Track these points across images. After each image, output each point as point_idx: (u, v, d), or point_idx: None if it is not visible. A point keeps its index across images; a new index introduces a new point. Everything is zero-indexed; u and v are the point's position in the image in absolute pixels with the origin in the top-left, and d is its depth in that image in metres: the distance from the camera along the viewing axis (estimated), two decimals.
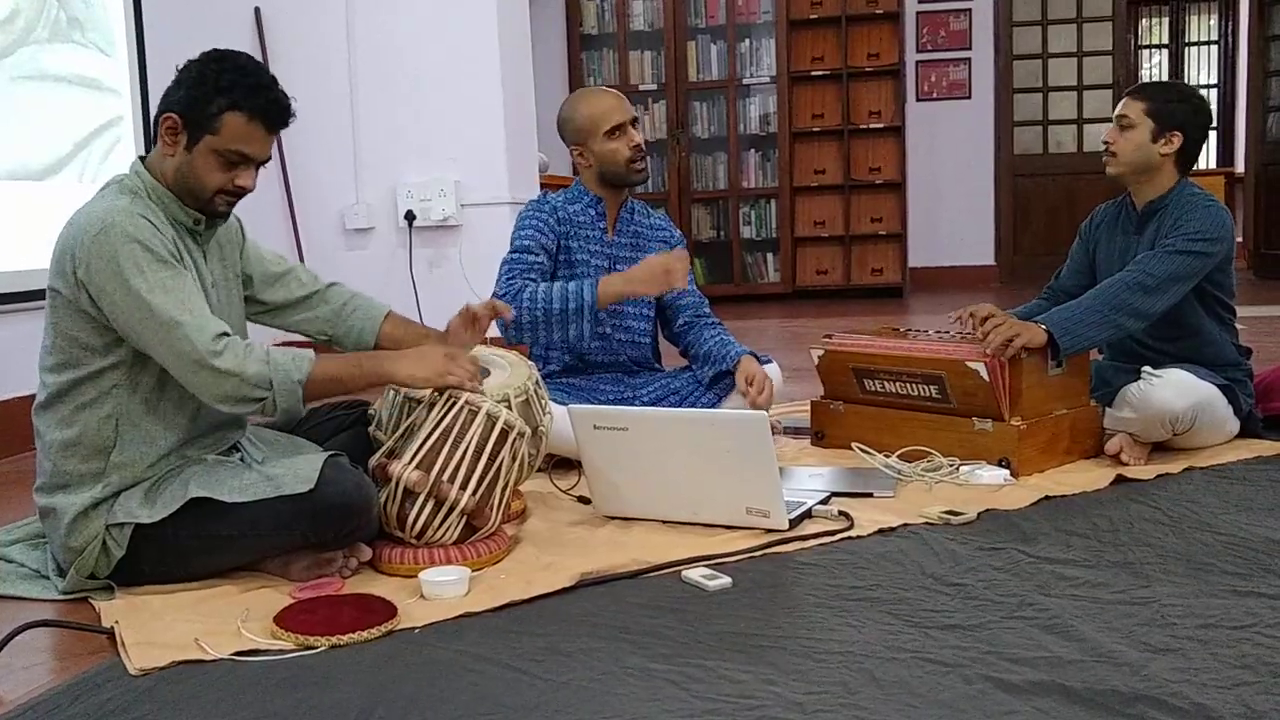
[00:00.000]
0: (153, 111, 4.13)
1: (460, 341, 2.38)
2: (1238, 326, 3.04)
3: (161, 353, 2.00)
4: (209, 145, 2.07)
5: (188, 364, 1.98)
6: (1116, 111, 2.96)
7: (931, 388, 2.86)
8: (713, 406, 2.99)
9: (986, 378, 2.72)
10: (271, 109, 2.09)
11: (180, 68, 2.11)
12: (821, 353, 3.09)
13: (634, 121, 3.02)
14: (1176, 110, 2.90)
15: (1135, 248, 2.92)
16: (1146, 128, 2.89)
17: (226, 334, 2.02)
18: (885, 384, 2.96)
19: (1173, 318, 2.87)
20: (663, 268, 2.81)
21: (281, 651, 1.78)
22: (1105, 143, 2.95)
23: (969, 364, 2.75)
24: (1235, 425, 2.93)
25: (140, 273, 1.97)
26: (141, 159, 2.15)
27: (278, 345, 2.25)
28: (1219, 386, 2.84)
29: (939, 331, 3.08)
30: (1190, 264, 2.79)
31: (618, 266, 3.06)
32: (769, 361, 3.11)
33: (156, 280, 1.98)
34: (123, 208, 2.02)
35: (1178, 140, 2.89)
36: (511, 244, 2.98)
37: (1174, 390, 2.73)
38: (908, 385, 2.92)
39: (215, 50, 2.13)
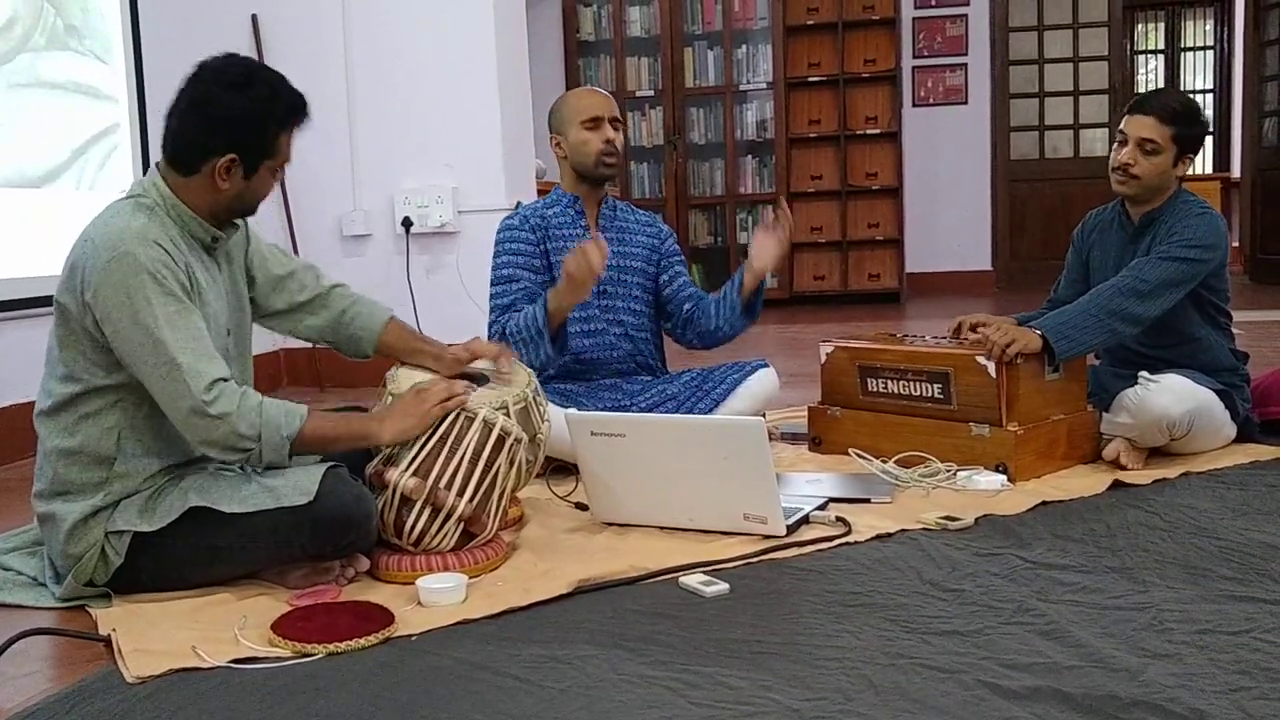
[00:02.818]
0: (151, 118, 4.16)
1: (451, 367, 2.35)
2: (1234, 331, 3.05)
3: (156, 390, 2.00)
4: (268, 167, 2.12)
5: (180, 407, 1.99)
6: (1137, 133, 2.85)
7: (935, 386, 2.87)
8: (711, 412, 2.99)
9: (994, 374, 2.73)
10: (304, 116, 2.15)
11: (203, 101, 2.05)
12: (831, 349, 3.11)
13: (615, 123, 3.03)
14: (1198, 136, 2.90)
15: (1132, 257, 2.92)
16: (1171, 154, 2.86)
17: (223, 379, 2.01)
18: (889, 382, 2.97)
19: (1169, 324, 2.87)
20: (571, 267, 2.68)
21: (278, 659, 1.78)
22: (1124, 164, 2.86)
23: (979, 359, 2.76)
24: (1232, 430, 2.93)
25: (149, 305, 1.97)
26: (158, 167, 2.14)
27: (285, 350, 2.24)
28: (1216, 391, 2.84)
29: (936, 338, 3.09)
30: (1184, 270, 2.79)
31: (607, 261, 3.06)
32: (765, 366, 3.11)
33: (164, 314, 1.98)
34: (138, 231, 2.01)
35: (1189, 163, 2.90)
36: (492, 273, 2.99)
37: (1171, 396, 2.74)
38: (912, 384, 2.92)
39: (244, 68, 2.09)
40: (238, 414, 1.99)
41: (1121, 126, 2.93)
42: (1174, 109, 2.88)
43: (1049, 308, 3.16)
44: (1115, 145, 2.95)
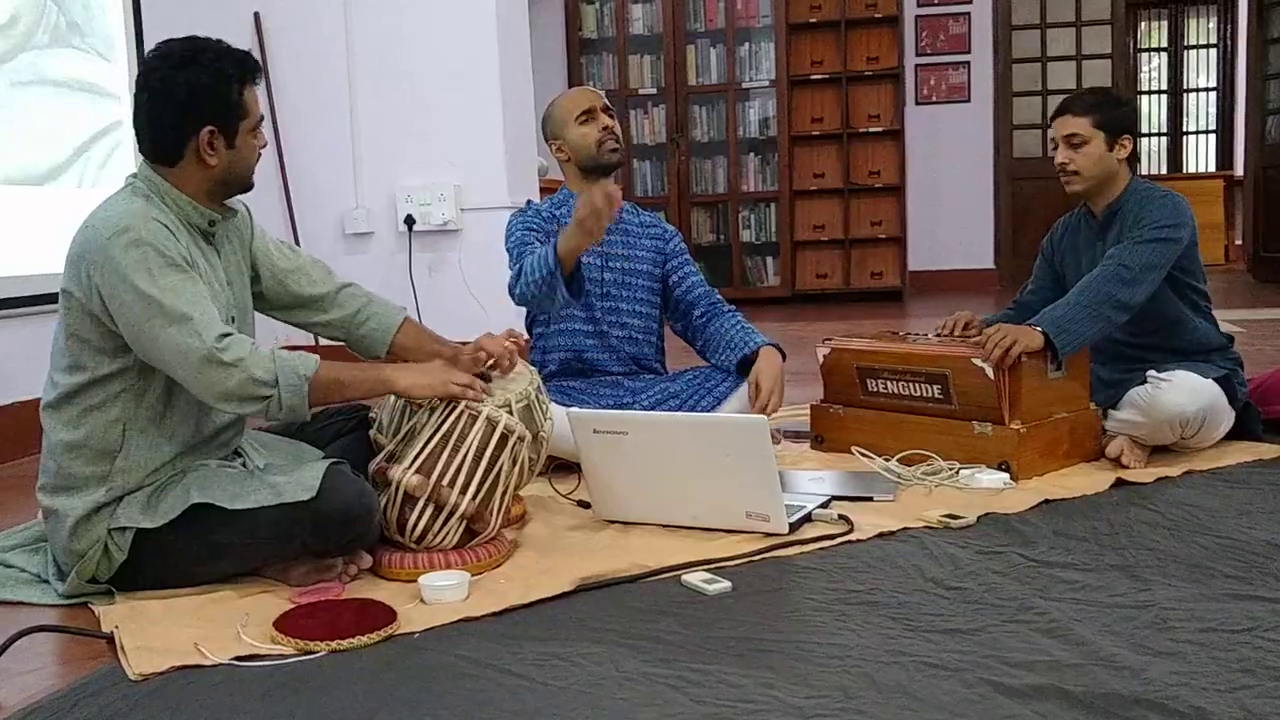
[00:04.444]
0: None
1: (467, 368, 2.35)
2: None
3: (167, 351, 1.98)
4: (245, 128, 2.13)
5: (194, 360, 1.97)
6: (1061, 132, 2.97)
7: (934, 388, 2.87)
8: (713, 410, 2.98)
9: (992, 376, 2.73)
10: (256, 67, 2.17)
11: (161, 90, 2.07)
12: (827, 351, 3.11)
13: (607, 110, 3.06)
14: (1121, 115, 2.97)
15: (1101, 252, 2.95)
16: (1100, 139, 2.93)
17: (231, 334, 2.02)
18: (888, 384, 2.97)
19: (1149, 309, 2.90)
20: (590, 205, 2.59)
21: (281, 656, 1.78)
22: (1062, 164, 2.97)
23: (975, 361, 2.76)
24: (1231, 418, 2.93)
25: (151, 275, 1.98)
26: (149, 163, 2.14)
27: (288, 347, 2.25)
28: (1218, 379, 2.85)
29: (937, 335, 3.09)
30: (1162, 250, 2.84)
31: (610, 263, 3.07)
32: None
33: (167, 283, 1.99)
34: (138, 211, 2.03)
35: (1129, 143, 2.97)
36: (509, 250, 2.99)
37: (1184, 393, 2.74)
38: (911, 385, 2.92)
39: (185, 45, 2.12)
40: (251, 359, 1.99)
41: (1051, 135, 3.03)
42: (1086, 100, 2.99)
43: (1013, 310, 3.18)
44: (1054, 154, 3.03)
